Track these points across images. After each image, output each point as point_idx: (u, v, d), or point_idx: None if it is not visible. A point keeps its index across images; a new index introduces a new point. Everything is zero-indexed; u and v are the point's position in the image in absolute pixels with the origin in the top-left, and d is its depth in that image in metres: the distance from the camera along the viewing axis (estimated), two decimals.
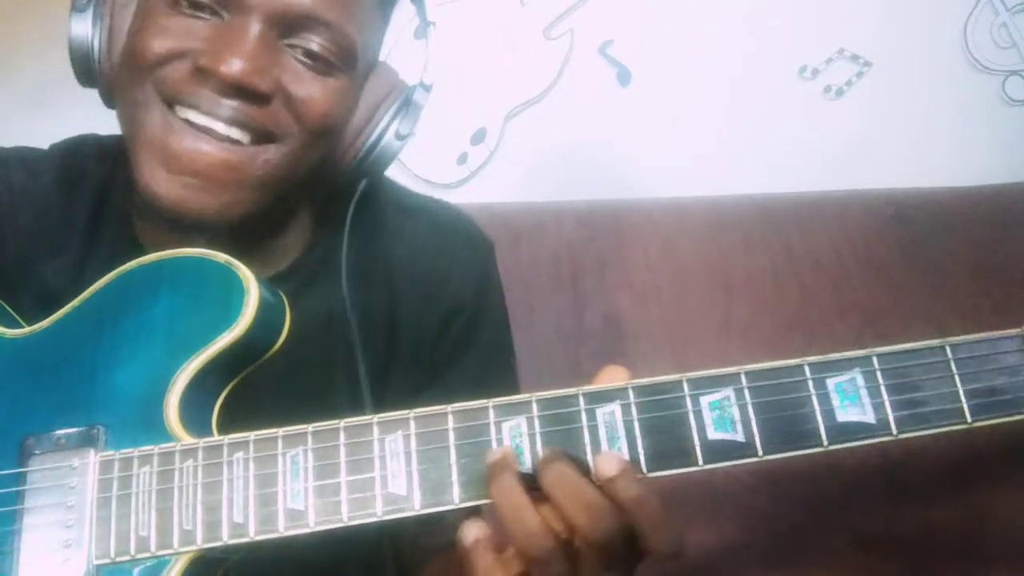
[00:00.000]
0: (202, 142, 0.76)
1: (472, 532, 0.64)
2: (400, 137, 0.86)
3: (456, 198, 1.56)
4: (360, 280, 0.89)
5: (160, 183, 0.76)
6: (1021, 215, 1.35)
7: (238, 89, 0.76)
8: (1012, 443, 1.21)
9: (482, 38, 1.57)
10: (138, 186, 0.78)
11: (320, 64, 0.79)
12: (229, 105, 0.76)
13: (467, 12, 1.56)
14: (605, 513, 0.61)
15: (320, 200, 0.92)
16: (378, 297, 0.92)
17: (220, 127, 0.77)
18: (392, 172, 0.90)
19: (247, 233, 0.83)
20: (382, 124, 0.85)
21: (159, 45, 0.77)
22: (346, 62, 0.80)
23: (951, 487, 1.23)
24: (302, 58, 0.79)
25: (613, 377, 0.67)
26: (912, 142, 1.55)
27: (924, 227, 1.34)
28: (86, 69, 0.82)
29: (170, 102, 0.77)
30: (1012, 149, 1.53)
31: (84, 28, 0.81)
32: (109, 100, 0.84)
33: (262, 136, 0.78)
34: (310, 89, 0.79)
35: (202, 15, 0.77)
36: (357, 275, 0.88)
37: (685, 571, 1.23)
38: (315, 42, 0.78)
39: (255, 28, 0.76)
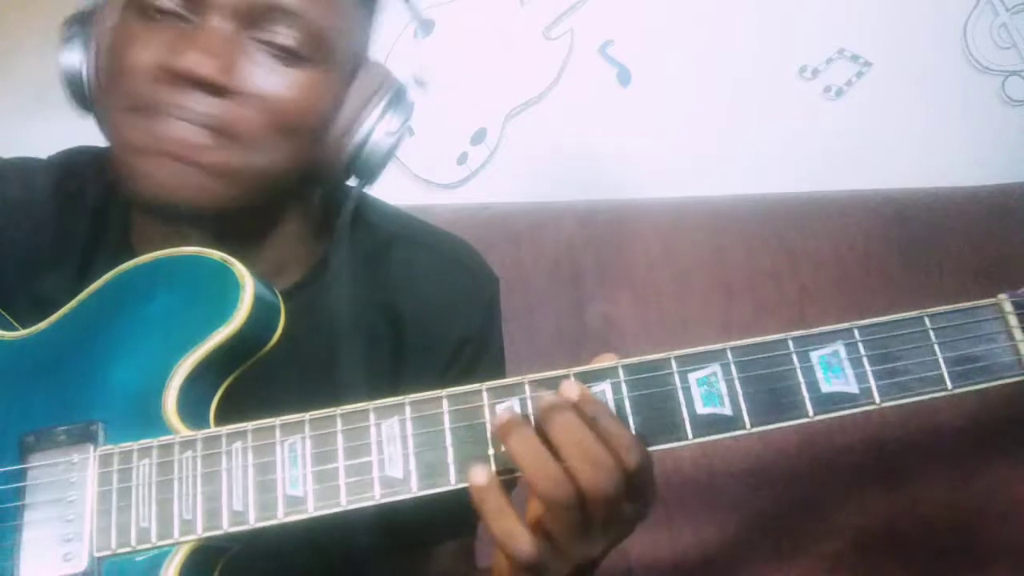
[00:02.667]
0: (179, 125, 0.75)
1: (482, 473, 0.64)
2: (391, 134, 0.83)
3: (456, 198, 1.57)
4: (365, 305, 0.89)
5: (149, 172, 0.75)
6: (1021, 215, 1.35)
7: (197, 82, 0.74)
8: (1010, 442, 1.21)
9: (482, 38, 1.57)
10: (129, 186, 0.77)
11: (289, 56, 0.77)
12: (193, 108, 0.75)
13: (467, 12, 1.56)
14: (608, 465, 0.62)
15: (319, 213, 0.91)
16: (383, 324, 0.91)
17: (190, 130, 0.75)
18: (392, 172, 0.89)
19: (242, 237, 0.83)
20: (371, 120, 0.82)
21: (131, 58, 0.76)
22: (317, 52, 0.78)
23: (950, 487, 1.23)
24: (270, 51, 0.77)
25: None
26: (912, 142, 1.55)
27: (924, 227, 1.34)
28: (79, 96, 0.82)
29: (144, 112, 0.76)
30: (1012, 149, 1.53)
31: (74, 58, 0.81)
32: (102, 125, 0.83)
33: (230, 136, 0.76)
34: (277, 82, 0.77)
35: (171, 23, 0.76)
36: (362, 300, 0.88)
37: (686, 571, 1.24)
38: (281, 33, 0.77)
39: (214, 23, 0.75)
